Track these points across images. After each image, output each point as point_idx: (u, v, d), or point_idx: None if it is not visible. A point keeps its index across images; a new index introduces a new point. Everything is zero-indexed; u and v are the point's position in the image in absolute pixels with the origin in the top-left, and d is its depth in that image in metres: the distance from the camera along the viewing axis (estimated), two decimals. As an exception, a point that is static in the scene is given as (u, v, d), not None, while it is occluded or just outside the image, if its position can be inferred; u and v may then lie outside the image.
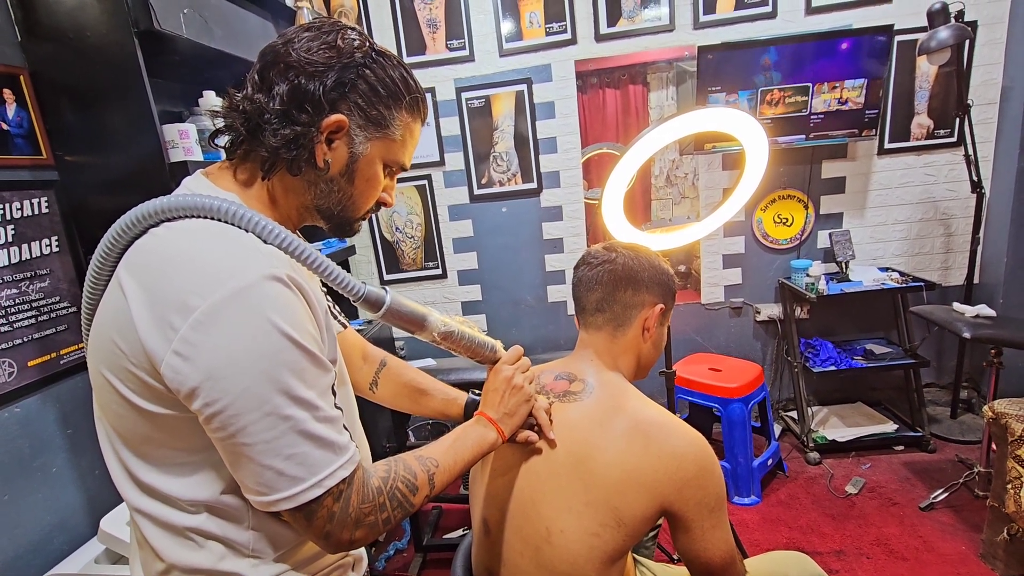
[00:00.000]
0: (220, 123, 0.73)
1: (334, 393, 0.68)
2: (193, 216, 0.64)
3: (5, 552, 1.31)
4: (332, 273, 0.68)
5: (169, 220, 0.64)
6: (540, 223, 2.80)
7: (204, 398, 0.58)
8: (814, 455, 2.52)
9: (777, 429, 2.66)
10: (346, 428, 0.69)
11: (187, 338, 0.57)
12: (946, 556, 1.93)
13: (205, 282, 0.59)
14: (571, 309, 2.87)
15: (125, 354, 0.61)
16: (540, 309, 2.89)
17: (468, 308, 2.91)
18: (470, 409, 1.05)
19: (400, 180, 2.76)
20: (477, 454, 0.85)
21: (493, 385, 0.90)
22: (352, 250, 2.65)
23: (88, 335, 0.69)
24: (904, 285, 2.43)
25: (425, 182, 2.78)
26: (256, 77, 0.71)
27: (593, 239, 2.83)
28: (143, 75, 1.47)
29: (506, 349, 0.95)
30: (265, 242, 0.65)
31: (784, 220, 2.71)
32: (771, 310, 2.79)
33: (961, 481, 2.19)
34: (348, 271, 2.82)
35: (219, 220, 0.64)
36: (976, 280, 2.62)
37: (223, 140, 0.74)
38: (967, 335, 1.92)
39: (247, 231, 0.64)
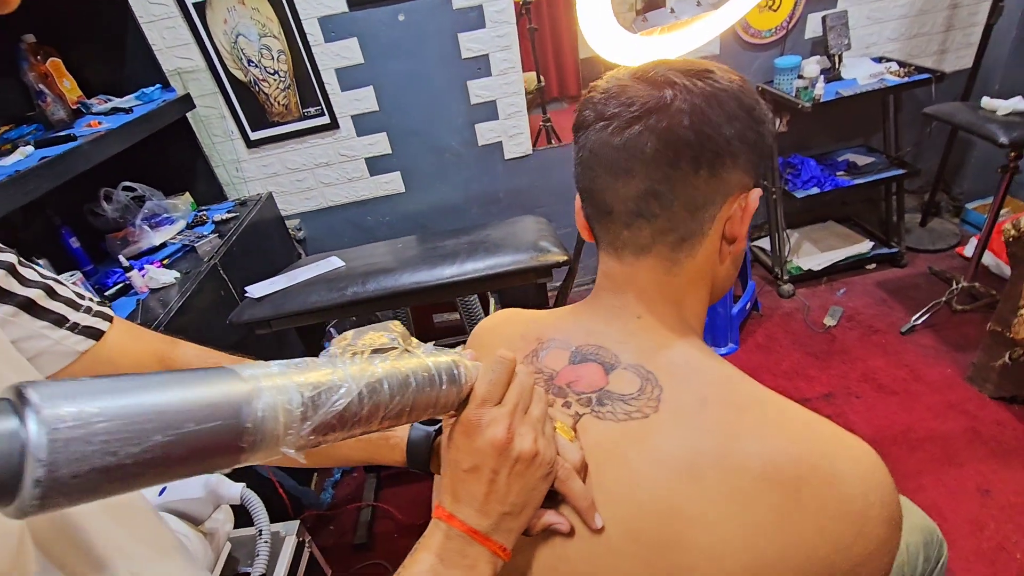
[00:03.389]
0: None
1: None
2: None
3: None
4: None
5: None
6: (454, 34, 2.02)
7: None
8: (788, 287, 2.31)
9: (747, 263, 2.40)
10: None
11: None
12: (933, 383, 1.83)
13: None
14: (509, 151, 2.27)
15: None
16: (469, 157, 2.25)
17: (375, 166, 2.22)
18: (418, 452, 0.55)
19: (234, -19, 1.82)
20: None
21: (470, 459, 0.40)
22: (188, 103, 1.81)
23: None
24: (907, 79, 1.99)
25: (275, -18, 1.85)
26: None
27: (527, 54, 2.12)
28: None
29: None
30: None
31: (770, 3, 2.09)
32: (745, 126, 2.31)
33: (944, 300, 2.05)
34: (194, 139, 1.95)
35: None
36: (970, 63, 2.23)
37: None
38: (1004, 140, 1.57)
39: None
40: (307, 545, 1.23)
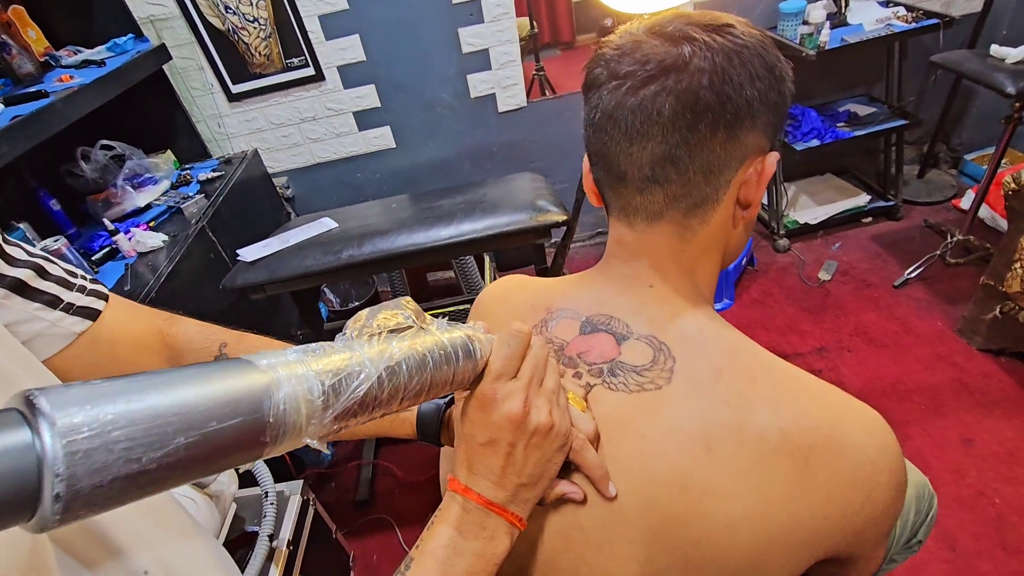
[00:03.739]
0: None
1: None
2: None
3: None
4: None
5: None
6: (444, -22, 1.92)
7: None
8: (783, 242, 2.31)
9: (744, 218, 2.38)
10: None
11: None
12: (923, 336, 1.86)
13: None
14: (503, 104, 2.19)
15: None
16: (462, 109, 2.17)
17: (364, 120, 2.14)
18: (428, 425, 0.54)
19: (204, -82, 1.69)
20: None
21: (486, 433, 0.40)
22: (164, 54, 1.71)
23: None
24: (915, 25, 1.92)
25: (249, -81, 1.72)
26: None
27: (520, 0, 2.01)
28: None
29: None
30: None
31: (776, -58, 1.99)
32: (746, 75, 2.24)
33: (938, 253, 2.06)
34: (173, 93, 1.84)
35: None
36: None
37: None
38: (1011, 90, 1.53)
39: None
40: (312, 503, 1.26)
